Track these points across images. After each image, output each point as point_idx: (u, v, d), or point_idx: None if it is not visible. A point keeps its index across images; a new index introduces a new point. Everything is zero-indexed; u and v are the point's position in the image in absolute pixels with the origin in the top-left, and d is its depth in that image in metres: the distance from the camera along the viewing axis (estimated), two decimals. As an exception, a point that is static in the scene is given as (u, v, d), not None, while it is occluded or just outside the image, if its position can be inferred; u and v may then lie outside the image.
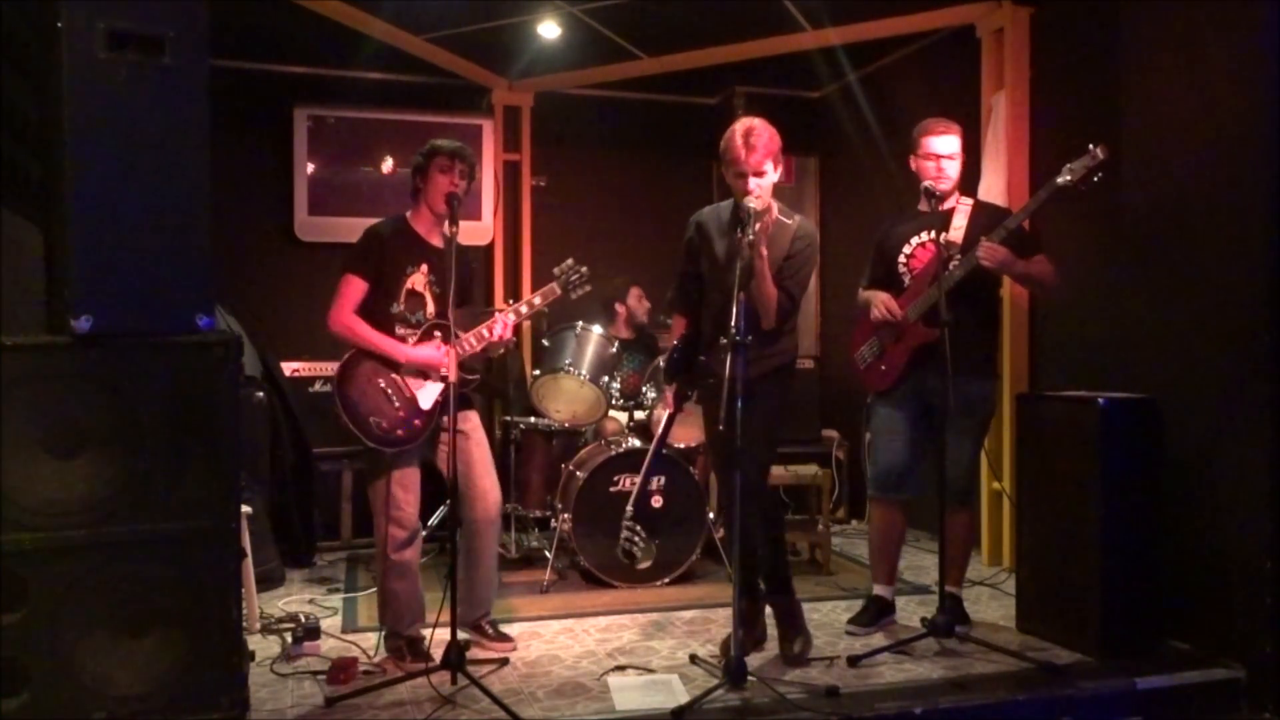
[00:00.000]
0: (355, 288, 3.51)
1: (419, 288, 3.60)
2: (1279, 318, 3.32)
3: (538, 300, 3.78)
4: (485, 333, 3.62)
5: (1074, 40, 4.66)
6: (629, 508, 3.70)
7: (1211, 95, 3.55)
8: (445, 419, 3.52)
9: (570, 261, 3.84)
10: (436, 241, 3.65)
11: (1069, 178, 3.59)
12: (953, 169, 3.83)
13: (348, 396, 3.48)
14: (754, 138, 3.41)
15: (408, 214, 3.67)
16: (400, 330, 3.57)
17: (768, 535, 3.61)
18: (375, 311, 3.54)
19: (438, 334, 3.60)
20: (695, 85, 6.40)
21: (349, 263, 3.53)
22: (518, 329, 5.67)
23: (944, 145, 3.82)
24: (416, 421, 3.54)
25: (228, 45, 5.40)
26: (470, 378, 3.63)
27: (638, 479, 4.54)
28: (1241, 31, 3.44)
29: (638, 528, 3.73)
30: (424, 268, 3.60)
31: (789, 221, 3.54)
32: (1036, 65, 4.83)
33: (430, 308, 3.61)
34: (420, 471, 3.61)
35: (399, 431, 3.50)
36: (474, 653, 3.54)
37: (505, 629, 3.80)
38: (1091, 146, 3.57)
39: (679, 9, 5.22)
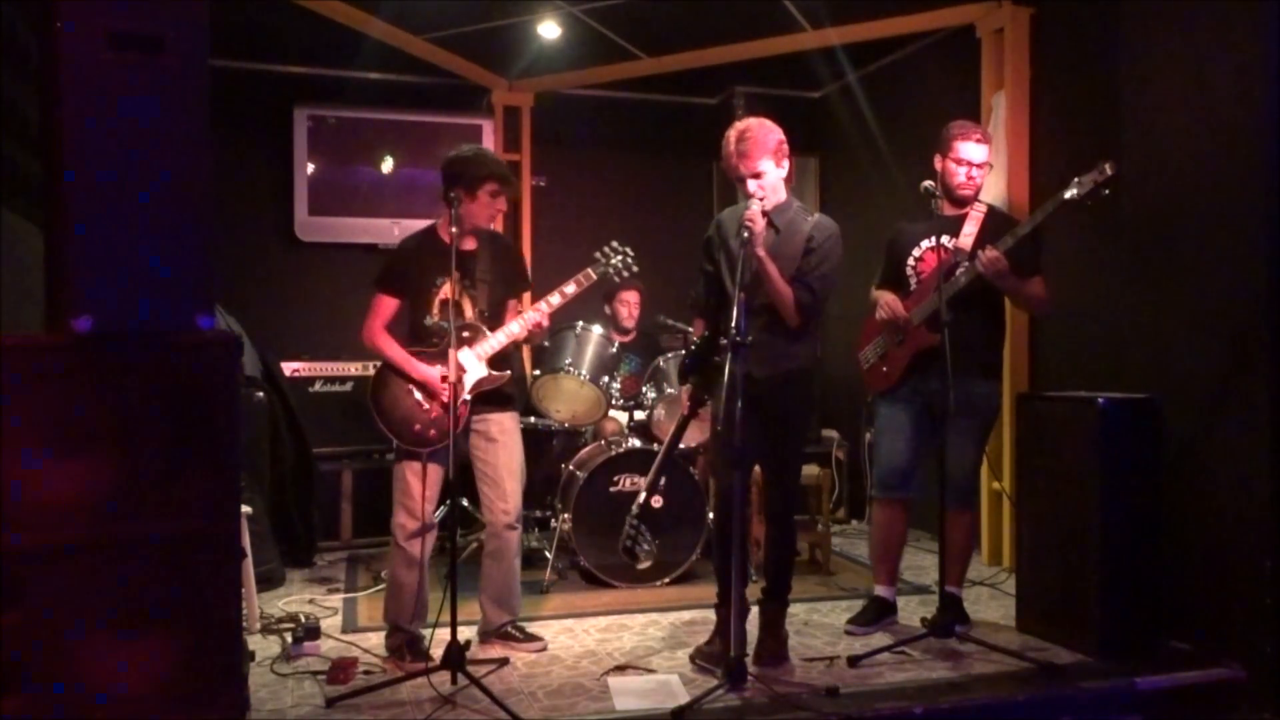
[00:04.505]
0: (385, 305, 3.65)
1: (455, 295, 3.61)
2: (1278, 318, 3.32)
3: (571, 288, 3.74)
4: (515, 328, 3.64)
5: (1074, 40, 4.66)
6: (635, 506, 3.70)
7: (1211, 95, 3.55)
8: (476, 418, 3.63)
9: (615, 243, 3.86)
10: (467, 245, 3.67)
11: (1076, 192, 3.57)
12: (982, 177, 3.83)
13: (381, 403, 3.60)
14: (744, 143, 3.43)
15: (437, 223, 3.70)
16: (435, 339, 3.62)
17: (779, 543, 3.62)
18: (411, 324, 3.66)
19: (464, 334, 3.61)
20: (695, 85, 6.41)
21: (378, 281, 3.67)
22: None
23: (979, 153, 3.81)
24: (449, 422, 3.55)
25: (228, 45, 5.40)
26: (498, 374, 3.65)
27: (644, 479, 4.57)
28: (1241, 32, 3.44)
29: (643, 528, 3.73)
30: (456, 275, 3.59)
31: (808, 219, 3.53)
32: (1036, 65, 4.83)
33: (469, 312, 3.64)
34: (444, 470, 3.62)
35: (431, 432, 3.58)
36: (487, 653, 3.58)
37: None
38: (1100, 162, 3.55)
39: (679, 9, 5.22)
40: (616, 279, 3.86)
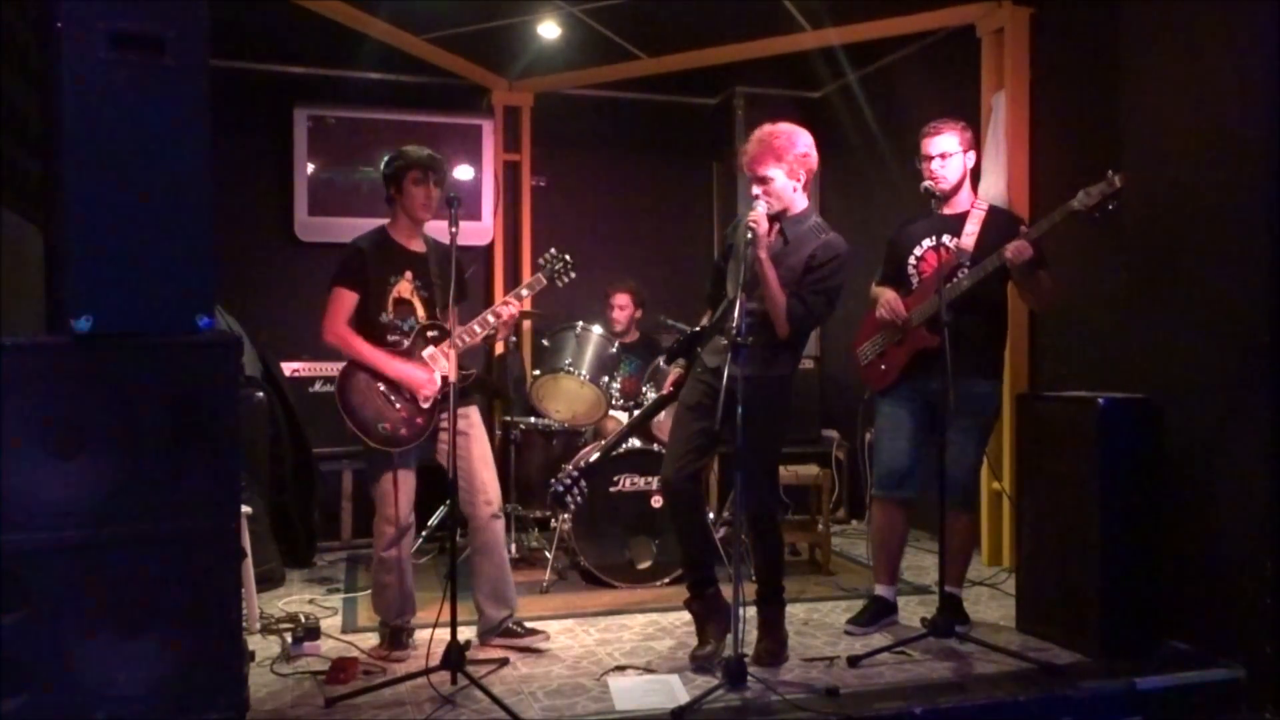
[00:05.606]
0: (344, 300, 3.62)
1: (405, 295, 3.68)
2: (1279, 318, 3.32)
3: (525, 292, 3.81)
4: (476, 328, 3.67)
5: (1074, 40, 4.66)
6: (584, 461, 3.70)
7: (1211, 95, 3.55)
8: (442, 416, 3.60)
9: (553, 251, 3.92)
10: (417, 247, 3.73)
11: (1083, 203, 3.57)
12: (946, 169, 3.83)
13: (350, 402, 3.58)
14: (758, 145, 3.45)
15: (386, 224, 3.75)
16: (391, 337, 3.65)
17: (762, 545, 3.62)
18: (366, 321, 3.65)
19: (429, 334, 3.66)
20: (695, 85, 6.41)
21: (336, 277, 3.65)
22: (518, 328, 5.69)
23: (935, 146, 3.84)
24: (419, 419, 3.61)
25: (228, 45, 5.40)
26: (465, 372, 3.65)
27: (644, 479, 4.58)
28: (1241, 31, 3.44)
29: (581, 483, 3.73)
30: (408, 275, 3.68)
31: (820, 236, 3.49)
32: (1036, 65, 4.83)
33: (420, 312, 3.69)
34: (415, 470, 3.68)
35: (402, 431, 3.58)
36: (488, 653, 3.59)
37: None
38: (1110, 173, 3.55)
39: (679, 9, 5.22)
40: (559, 283, 3.88)
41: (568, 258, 3.89)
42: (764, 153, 3.43)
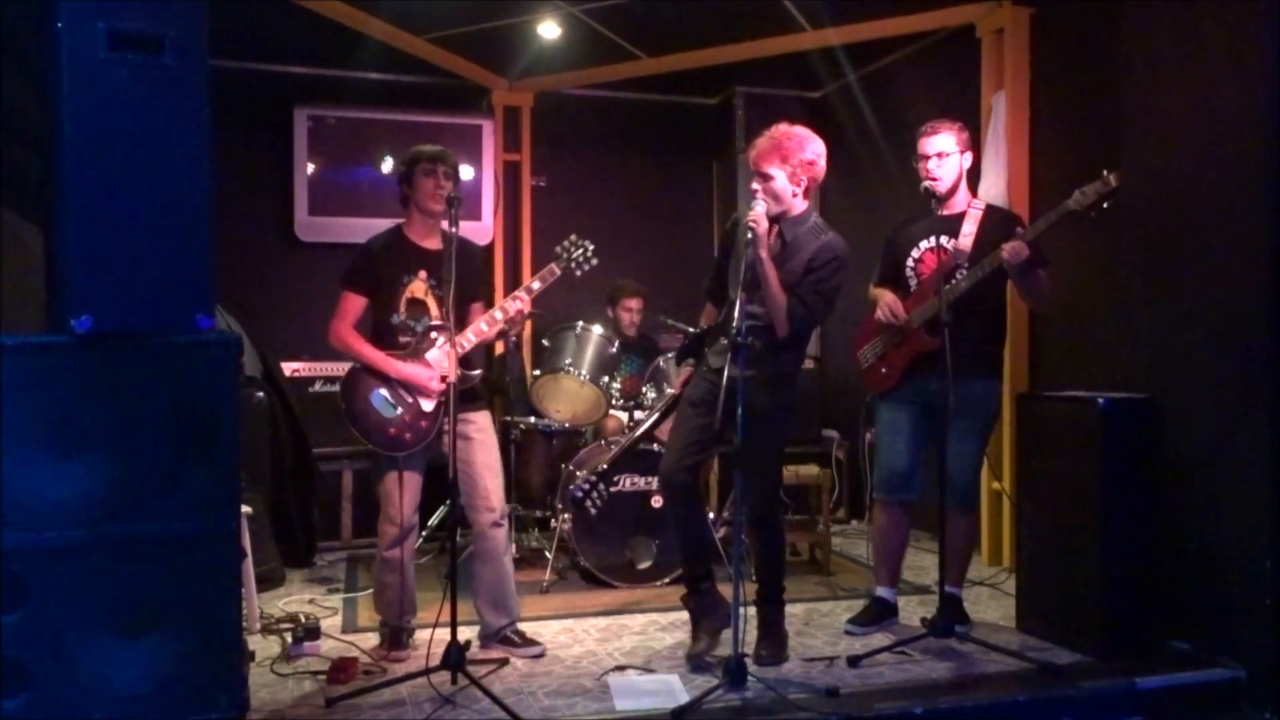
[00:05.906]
0: (352, 303, 3.61)
1: (420, 294, 3.65)
2: (1279, 318, 3.32)
3: (537, 285, 3.72)
4: (484, 326, 3.63)
5: (1074, 40, 4.66)
6: (601, 465, 3.69)
7: (1213, 96, 3.55)
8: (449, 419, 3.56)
9: (573, 237, 3.79)
10: (432, 245, 3.69)
11: (1079, 202, 3.58)
12: (942, 169, 3.82)
13: (354, 406, 3.56)
14: (768, 141, 3.45)
15: (401, 223, 3.72)
16: (404, 338, 3.63)
17: (763, 545, 3.63)
18: (377, 323, 3.63)
19: (433, 335, 3.63)
20: (695, 85, 6.41)
21: (344, 280, 3.63)
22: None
23: (931, 145, 3.83)
24: (423, 423, 3.59)
25: (228, 45, 5.39)
26: (471, 373, 3.63)
27: (644, 479, 4.58)
28: (1241, 31, 3.44)
29: (601, 486, 3.70)
30: (422, 274, 3.65)
31: (819, 238, 3.50)
32: (1036, 65, 4.83)
33: (434, 312, 3.66)
34: (421, 472, 3.67)
35: (406, 435, 3.57)
36: (488, 656, 3.58)
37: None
38: (1105, 173, 3.56)
39: (679, 9, 5.23)
40: (578, 273, 3.79)
41: (589, 245, 3.75)
42: (771, 150, 3.43)
